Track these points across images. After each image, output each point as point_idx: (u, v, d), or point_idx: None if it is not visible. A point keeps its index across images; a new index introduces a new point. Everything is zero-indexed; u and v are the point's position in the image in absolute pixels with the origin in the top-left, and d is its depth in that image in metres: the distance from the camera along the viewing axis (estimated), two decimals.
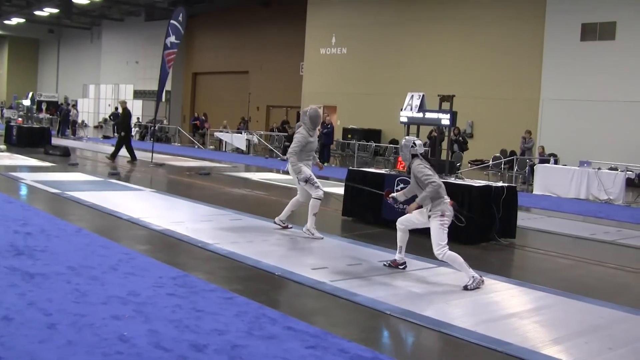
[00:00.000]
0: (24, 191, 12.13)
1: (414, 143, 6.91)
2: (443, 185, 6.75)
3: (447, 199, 6.64)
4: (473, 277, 6.41)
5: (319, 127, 8.98)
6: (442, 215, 6.52)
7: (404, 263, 7.13)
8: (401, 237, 7.07)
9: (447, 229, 6.54)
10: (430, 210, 6.61)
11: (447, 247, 6.49)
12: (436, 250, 6.48)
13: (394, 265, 7.12)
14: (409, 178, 7.16)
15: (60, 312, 4.84)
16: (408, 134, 11.06)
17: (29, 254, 6.63)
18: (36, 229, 7.96)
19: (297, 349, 4.46)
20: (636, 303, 6.46)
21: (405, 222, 7.01)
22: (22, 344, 4.16)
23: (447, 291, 6.40)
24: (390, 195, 7.46)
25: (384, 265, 7.20)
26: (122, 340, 4.36)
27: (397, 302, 5.78)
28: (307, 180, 8.55)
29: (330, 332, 4.84)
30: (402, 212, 9.55)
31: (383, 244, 8.59)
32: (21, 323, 4.54)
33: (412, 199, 7.01)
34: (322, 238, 8.62)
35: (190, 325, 4.74)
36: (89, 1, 36.35)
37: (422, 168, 6.72)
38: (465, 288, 6.36)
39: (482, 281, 6.48)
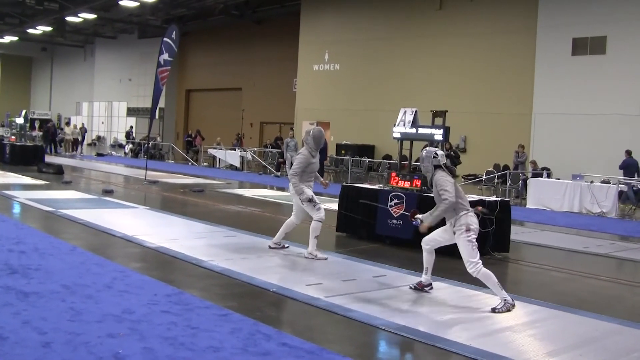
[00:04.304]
0: (17, 209, 12.11)
1: (435, 154, 6.57)
2: (465, 197, 6.48)
3: (471, 211, 6.36)
4: (505, 300, 6.14)
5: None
6: (468, 230, 6.24)
7: (430, 284, 6.86)
8: (427, 258, 6.78)
9: (476, 244, 6.26)
10: (454, 226, 6.34)
11: (481, 262, 6.20)
12: (469, 268, 6.21)
13: (420, 288, 6.84)
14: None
15: (55, 330, 4.83)
16: (401, 150, 11.13)
17: (23, 272, 6.62)
18: (30, 248, 7.95)
19: None
20: (629, 315, 6.50)
21: (431, 242, 6.71)
22: None
23: (442, 305, 6.41)
24: (416, 217, 6.84)
25: (410, 288, 6.92)
26: (118, 358, 4.35)
27: (391, 317, 5.79)
28: (310, 201, 8.41)
29: (325, 348, 4.84)
30: (398, 228, 9.63)
31: (377, 259, 8.62)
32: (16, 342, 4.53)
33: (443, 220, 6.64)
34: (326, 258, 8.46)
35: (185, 343, 4.74)
36: (82, 19, 36.40)
37: (442, 181, 6.40)
38: (493, 311, 6.11)
39: (514, 305, 6.17)
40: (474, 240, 6.26)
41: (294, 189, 8.48)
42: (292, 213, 8.83)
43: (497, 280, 6.19)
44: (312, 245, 8.47)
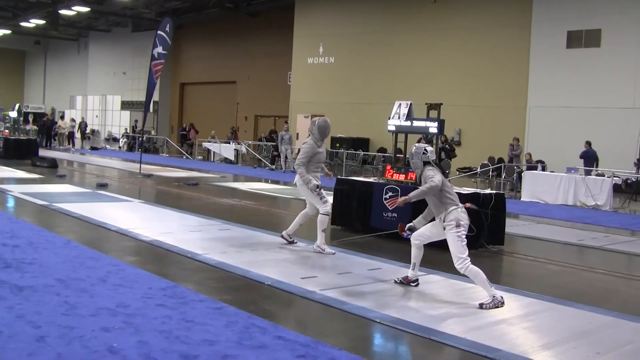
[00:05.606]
0: (11, 203, 12.07)
1: (425, 150, 6.56)
2: (454, 193, 6.42)
3: (461, 206, 6.31)
4: (493, 296, 6.03)
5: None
6: (458, 226, 6.15)
7: (417, 280, 6.77)
8: (415, 254, 6.68)
9: (465, 240, 6.19)
10: (444, 221, 6.28)
11: (469, 259, 6.12)
12: (457, 264, 6.14)
13: (406, 282, 6.77)
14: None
15: (49, 324, 4.82)
16: (396, 143, 11.13)
17: (17, 266, 6.60)
18: (24, 242, 7.92)
19: (287, 358, 4.46)
20: (624, 308, 6.51)
21: (420, 237, 6.63)
22: (11, 357, 4.15)
23: (436, 298, 6.42)
24: (407, 228, 6.77)
25: (395, 282, 6.87)
26: (112, 352, 4.34)
27: (386, 310, 5.79)
28: (316, 189, 8.30)
29: (321, 341, 4.84)
30: (392, 221, 9.63)
31: (372, 252, 8.62)
32: (10, 336, 4.52)
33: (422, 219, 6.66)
34: (334, 253, 8.38)
35: (180, 336, 4.73)
36: (75, 12, 36.19)
37: (432, 172, 6.36)
38: (481, 306, 6.01)
39: (502, 302, 6.04)
40: (464, 236, 6.20)
41: (301, 178, 8.37)
42: (306, 205, 8.73)
43: (485, 277, 6.11)
44: (320, 239, 8.40)
